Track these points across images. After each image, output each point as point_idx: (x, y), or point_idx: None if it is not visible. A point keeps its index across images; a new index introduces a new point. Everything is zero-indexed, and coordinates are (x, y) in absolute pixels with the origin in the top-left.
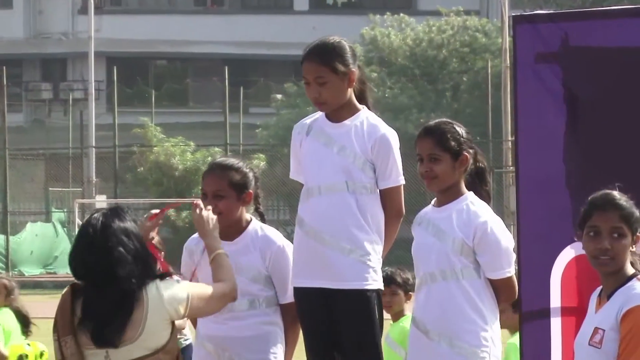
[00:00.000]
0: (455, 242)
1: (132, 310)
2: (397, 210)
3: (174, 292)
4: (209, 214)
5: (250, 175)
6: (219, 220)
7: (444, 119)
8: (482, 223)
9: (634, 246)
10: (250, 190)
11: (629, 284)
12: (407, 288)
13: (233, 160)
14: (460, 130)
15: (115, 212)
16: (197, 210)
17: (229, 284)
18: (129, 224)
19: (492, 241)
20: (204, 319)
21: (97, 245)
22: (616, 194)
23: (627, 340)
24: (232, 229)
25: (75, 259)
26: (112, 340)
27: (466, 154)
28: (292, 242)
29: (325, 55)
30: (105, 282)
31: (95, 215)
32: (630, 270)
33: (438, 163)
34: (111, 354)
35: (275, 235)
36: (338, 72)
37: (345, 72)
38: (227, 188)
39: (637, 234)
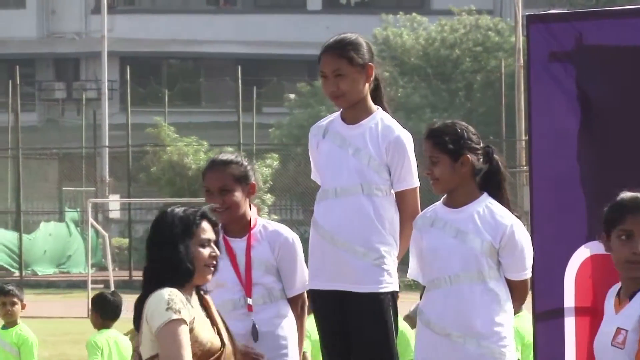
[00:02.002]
0: (484, 244)
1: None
2: (412, 213)
3: (156, 313)
4: None
5: (249, 167)
6: (227, 215)
7: (449, 120)
8: (509, 226)
9: None
10: (253, 182)
11: None
12: None
13: (231, 155)
14: (463, 131)
15: (184, 213)
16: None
17: None
18: (182, 230)
19: (518, 244)
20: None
21: (150, 237)
22: None
23: None
24: (239, 225)
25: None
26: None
27: (468, 155)
28: (307, 244)
29: (343, 48)
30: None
31: (169, 209)
32: None
33: (437, 165)
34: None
35: (284, 228)
36: (355, 65)
37: (363, 65)
38: (232, 182)
39: None
